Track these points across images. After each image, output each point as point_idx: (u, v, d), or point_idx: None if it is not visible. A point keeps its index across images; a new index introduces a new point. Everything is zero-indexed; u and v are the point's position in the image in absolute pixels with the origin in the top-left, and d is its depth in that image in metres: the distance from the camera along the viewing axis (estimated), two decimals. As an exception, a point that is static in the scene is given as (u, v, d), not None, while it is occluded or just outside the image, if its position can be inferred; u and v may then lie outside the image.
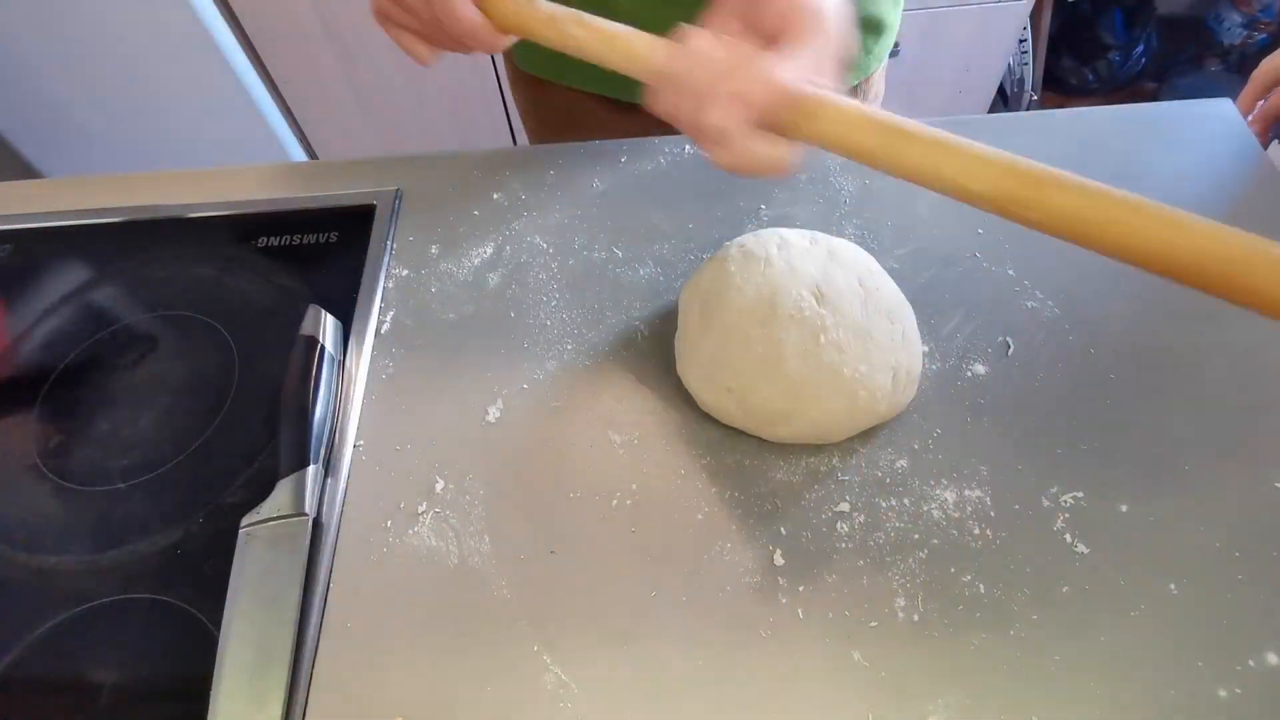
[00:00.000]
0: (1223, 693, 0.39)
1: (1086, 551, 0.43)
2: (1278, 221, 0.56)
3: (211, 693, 0.39)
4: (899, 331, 0.47)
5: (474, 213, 0.60)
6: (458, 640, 0.42)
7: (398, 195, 0.61)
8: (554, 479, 0.47)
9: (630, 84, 0.57)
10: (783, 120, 0.36)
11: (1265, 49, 1.60)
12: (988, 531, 0.44)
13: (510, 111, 1.57)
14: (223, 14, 1.31)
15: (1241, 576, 0.42)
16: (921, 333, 0.50)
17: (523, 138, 1.63)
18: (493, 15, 0.44)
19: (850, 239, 0.56)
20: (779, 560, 0.43)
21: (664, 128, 0.72)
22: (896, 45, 1.45)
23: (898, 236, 0.56)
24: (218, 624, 0.41)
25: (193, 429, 0.50)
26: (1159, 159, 0.59)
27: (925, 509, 0.44)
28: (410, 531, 0.45)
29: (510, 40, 0.45)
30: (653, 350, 0.52)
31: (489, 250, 0.58)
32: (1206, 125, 0.61)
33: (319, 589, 0.43)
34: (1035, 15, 1.63)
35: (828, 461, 0.46)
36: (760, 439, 0.47)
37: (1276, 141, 0.63)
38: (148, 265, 0.59)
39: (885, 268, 0.55)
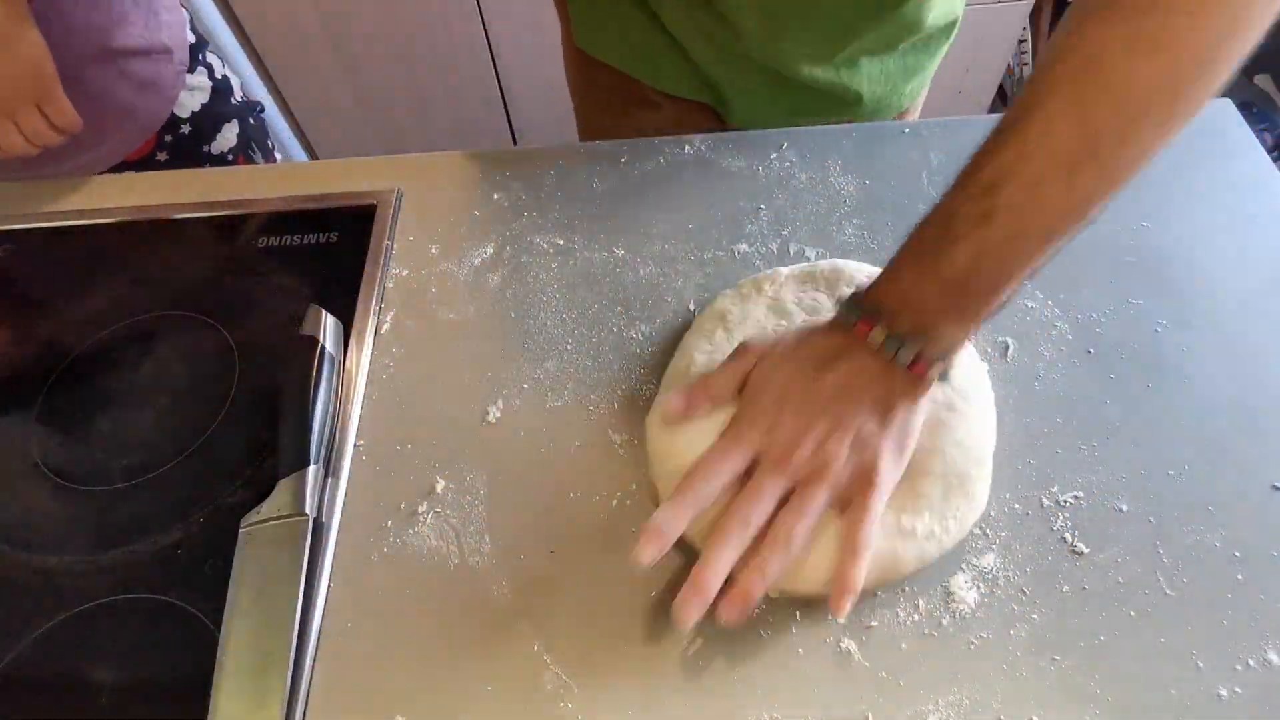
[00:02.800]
0: (1223, 692, 0.39)
1: (1086, 551, 0.43)
2: (1277, 221, 0.56)
3: (211, 693, 0.39)
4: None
5: (474, 213, 0.60)
6: (458, 640, 0.42)
7: (398, 195, 0.61)
8: (554, 479, 0.47)
9: (680, 79, 0.59)
10: None
11: (1265, 49, 1.59)
12: (988, 531, 0.44)
13: (510, 111, 1.57)
14: (223, 14, 1.31)
15: (1241, 576, 0.42)
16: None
17: (523, 138, 1.63)
18: None
19: (850, 240, 0.56)
20: (779, 560, 0.43)
21: (708, 118, 0.72)
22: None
23: (898, 237, 0.56)
24: (218, 624, 0.41)
25: (193, 429, 0.50)
26: (1158, 158, 0.59)
27: (925, 509, 0.44)
28: (410, 531, 0.45)
29: None
30: (652, 350, 0.52)
31: (489, 250, 0.58)
32: (1206, 125, 0.61)
33: (319, 589, 0.43)
34: (1035, 15, 1.63)
35: (828, 461, 0.46)
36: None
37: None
38: (148, 265, 0.59)
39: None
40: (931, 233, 0.39)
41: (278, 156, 0.96)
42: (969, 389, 0.46)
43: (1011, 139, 0.36)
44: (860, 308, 0.41)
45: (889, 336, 0.39)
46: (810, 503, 0.38)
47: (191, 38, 0.82)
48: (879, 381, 0.40)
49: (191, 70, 0.81)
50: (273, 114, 1.47)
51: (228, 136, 0.85)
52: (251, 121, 0.89)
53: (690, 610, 0.37)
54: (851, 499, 0.40)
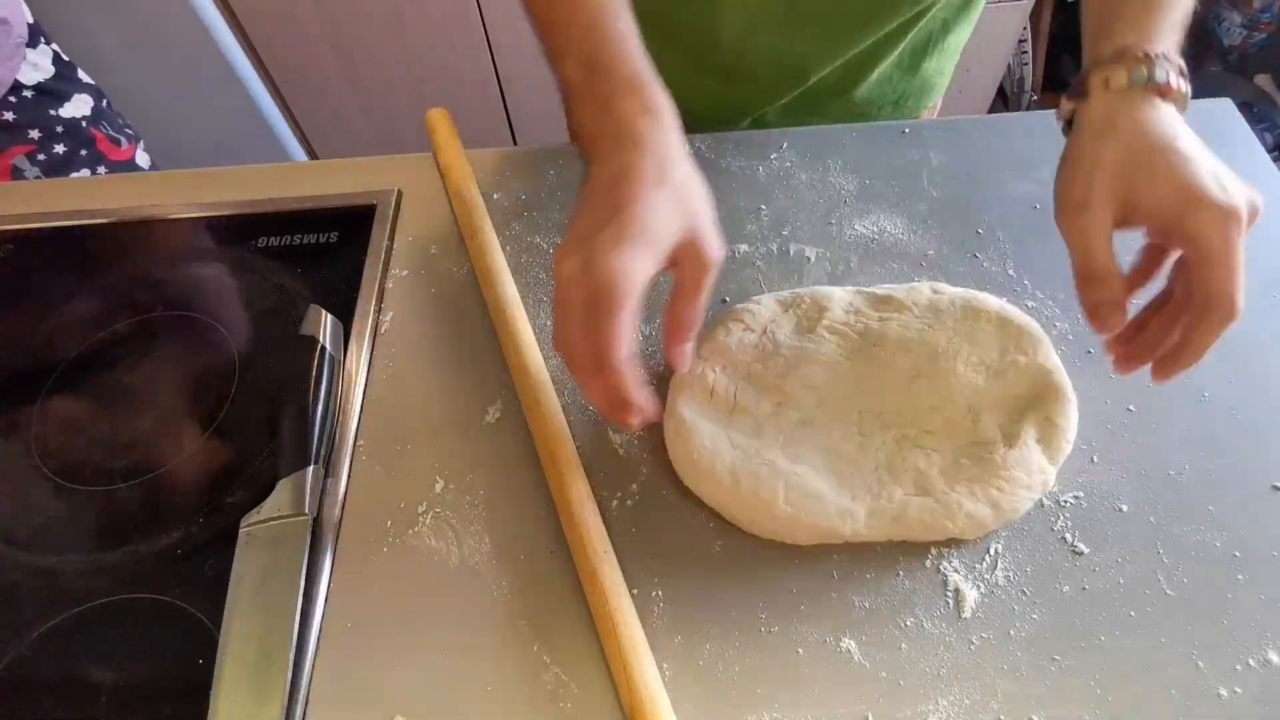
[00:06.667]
0: (1223, 693, 0.39)
1: (1086, 551, 0.43)
2: (1278, 221, 0.55)
3: (211, 693, 0.39)
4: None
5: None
6: (458, 640, 0.42)
7: (398, 195, 0.61)
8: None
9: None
10: None
11: (1265, 49, 1.59)
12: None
13: (510, 111, 1.57)
14: (223, 14, 1.31)
15: (1241, 576, 0.42)
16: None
17: (522, 138, 1.63)
18: None
19: (852, 241, 0.56)
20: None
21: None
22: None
23: (900, 238, 0.56)
24: (218, 624, 0.41)
25: (193, 429, 0.50)
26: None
27: (925, 509, 0.44)
28: (410, 531, 0.45)
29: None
30: (652, 351, 0.52)
31: (489, 250, 0.57)
32: (1206, 125, 0.61)
33: (319, 589, 0.43)
34: (1035, 15, 1.63)
35: (828, 461, 0.46)
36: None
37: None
38: (148, 265, 0.59)
39: (885, 270, 0.55)
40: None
41: (130, 132, 1.02)
42: None
43: None
44: (1149, 70, 0.41)
45: (1180, 80, 0.41)
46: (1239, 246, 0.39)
47: (30, 18, 0.90)
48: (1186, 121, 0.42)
49: (34, 46, 0.89)
50: (273, 114, 1.47)
51: (80, 107, 0.94)
52: (102, 104, 0.98)
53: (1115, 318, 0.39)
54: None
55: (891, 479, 0.43)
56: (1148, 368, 0.40)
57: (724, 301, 0.53)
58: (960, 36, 0.66)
